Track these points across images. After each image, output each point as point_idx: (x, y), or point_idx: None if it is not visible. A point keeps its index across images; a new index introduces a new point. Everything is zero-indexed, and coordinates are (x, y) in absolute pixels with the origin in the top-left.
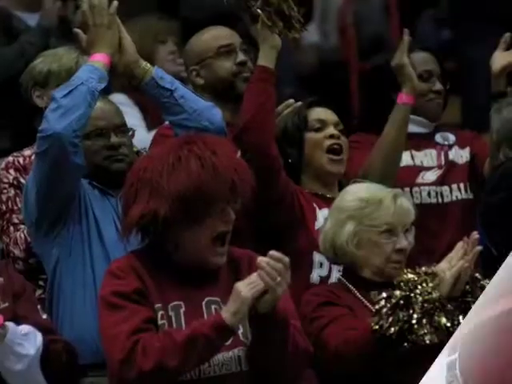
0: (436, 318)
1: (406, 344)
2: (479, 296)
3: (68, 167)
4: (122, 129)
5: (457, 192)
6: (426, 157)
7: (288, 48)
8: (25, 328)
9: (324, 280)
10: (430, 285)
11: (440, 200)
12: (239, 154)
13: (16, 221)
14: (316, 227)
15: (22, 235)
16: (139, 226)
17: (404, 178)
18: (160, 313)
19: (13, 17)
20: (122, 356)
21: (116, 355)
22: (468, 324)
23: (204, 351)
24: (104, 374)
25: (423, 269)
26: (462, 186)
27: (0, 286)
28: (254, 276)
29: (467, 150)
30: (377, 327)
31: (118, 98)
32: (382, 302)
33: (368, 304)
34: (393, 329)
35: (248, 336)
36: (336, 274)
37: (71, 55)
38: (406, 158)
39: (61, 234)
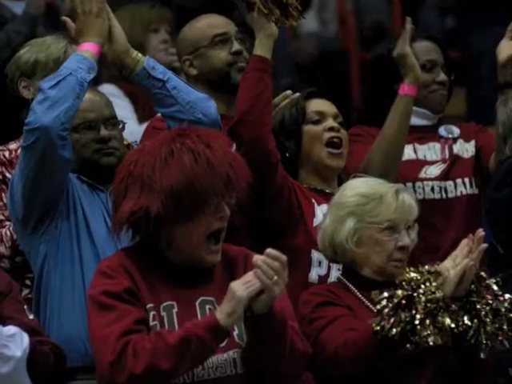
0: (440, 318)
1: (408, 346)
2: (485, 296)
3: (56, 161)
4: (112, 121)
5: (461, 187)
6: (430, 150)
7: (285, 37)
8: (11, 329)
9: (323, 279)
10: (434, 284)
11: (444, 195)
12: (234, 147)
13: (1, 217)
14: (314, 224)
15: (8, 232)
16: (130, 223)
17: (406, 173)
18: (152, 313)
19: None
20: (112, 358)
21: (106, 357)
22: None
23: (197, 353)
24: (93, 377)
25: (426, 267)
26: (466, 180)
27: None
28: (249, 275)
29: (472, 143)
30: (378, 328)
31: (108, 89)
32: (384, 302)
33: (369, 304)
34: (395, 330)
35: (243, 337)
36: (335, 273)
37: (59, 44)
38: (408, 152)
39: (48, 231)
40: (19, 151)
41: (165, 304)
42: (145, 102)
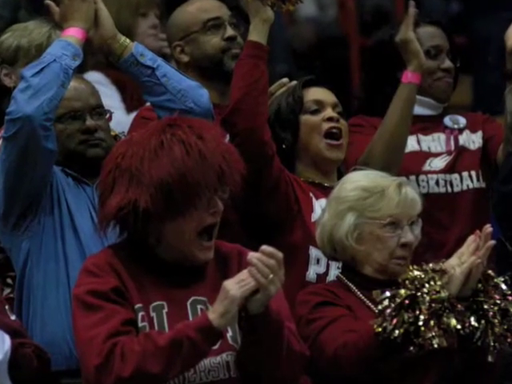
0: (445, 319)
1: (411, 348)
2: (492, 295)
3: (39, 153)
4: (99, 110)
5: (468, 180)
6: (434, 142)
7: (282, 22)
8: None
9: (321, 278)
10: (439, 283)
11: (449, 189)
12: (228, 138)
13: None
14: (312, 219)
15: None
16: (117, 218)
17: (409, 165)
18: (140, 314)
19: None
20: (99, 361)
21: (92, 360)
22: None
23: (189, 356)
24: (79, 381)
25: (431, 265)
26: (473, 173)
27: None
28: (244, 273)
29: (479, 134)
30: (380, 329)
31: (94, 77)
32: (386, 302)
33: (370, 304)
34: (397, 331)
35: (237, 339)
36: (334, 271)
37: (42, 29)
38: (411, 143)
39: (31, 227)
40: (0, 142)
41: (154, 304)
42: (133, 90)
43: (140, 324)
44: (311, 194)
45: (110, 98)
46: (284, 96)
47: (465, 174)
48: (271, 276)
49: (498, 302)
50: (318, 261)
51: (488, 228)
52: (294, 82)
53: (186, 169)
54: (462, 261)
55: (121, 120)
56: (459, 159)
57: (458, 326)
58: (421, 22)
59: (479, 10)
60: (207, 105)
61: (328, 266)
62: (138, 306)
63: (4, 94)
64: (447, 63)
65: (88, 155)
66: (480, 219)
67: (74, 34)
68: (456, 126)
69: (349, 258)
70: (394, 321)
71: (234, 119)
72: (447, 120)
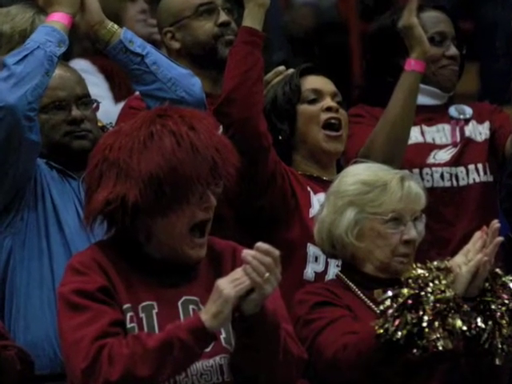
0: (450, 320)
1: (415, 350)
2: (500, 295)
3: (22, 144)
4: (85, 100)
5: (474, 174)
6: (439, 133)
7: (278, 6)
8: None
9: (320, 276)
10: (444, 282)
11: (455, 183)
12: (221, 129)
13: None
14: (311, 215)
15: None
16: (105, 214)
17: (413, 158)
18: (129, 314)
19: None
20: (86, 364)
21: (78, 363)
22: None
23: (180, 359)
24: None
25: (435, 263)
26: (480, 166)
27: None
28: (238, 272)
29: (486, 125)
30: (381, 331)
31: (80, 65)
32: (388, 302)
33: (371, 304)
34: (400, 333)
35: (231, 341)
36: (334, 270)
37: (26, 15)
38: (415, 135)
39: (13, 223)
40: None
41: (144, 304)
42: (121, 79)
43: (128, 325)
44: (309, 188)
45: (97, 86)
46: (280, 85)
47: (471, 166)
48: (267, 275)
49: (506, 301)
50: (316, 258)
51: (495, 224)
52: (291, 70)
53: (177, 161)
54: (468, 258)
55: (108, 110)
56: (465, 151)
57: (464, 328)
58: (425, 6)
59: None
60: (199, 94)
61: (327, 263)
62: (126, 306)
63: None
64: (452, 50)
65: (74, 147)
66: (487, 214)
67: (59, 19)
68: (462, 117)
69: (349, 256)
70: (397, 322)
71: (227, 109)
72: (452, 110)
